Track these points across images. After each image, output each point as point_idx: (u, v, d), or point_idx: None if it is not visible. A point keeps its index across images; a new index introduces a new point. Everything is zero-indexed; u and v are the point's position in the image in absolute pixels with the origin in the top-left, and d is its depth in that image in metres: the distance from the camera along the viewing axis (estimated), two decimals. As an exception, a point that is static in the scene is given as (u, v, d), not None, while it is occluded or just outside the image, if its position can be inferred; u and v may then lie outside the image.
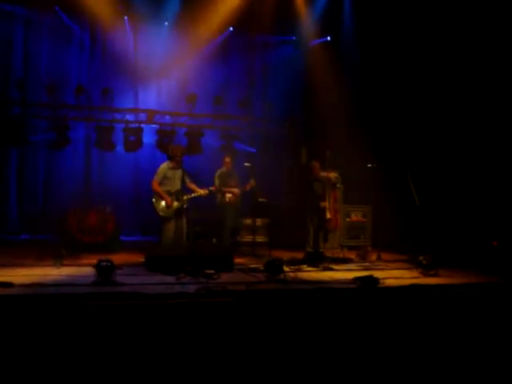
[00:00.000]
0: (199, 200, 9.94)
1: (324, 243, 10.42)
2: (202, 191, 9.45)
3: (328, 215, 10.19)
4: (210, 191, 9.53)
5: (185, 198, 9.36)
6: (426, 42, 11.56)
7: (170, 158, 9.53)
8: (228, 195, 10.62)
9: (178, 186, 9.35)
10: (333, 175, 10.30)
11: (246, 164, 10.54)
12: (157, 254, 8.61)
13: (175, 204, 9.28)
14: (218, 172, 10.80)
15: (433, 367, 5.00)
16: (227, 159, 10.82)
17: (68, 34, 12.38)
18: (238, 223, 10.98)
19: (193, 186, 9.46)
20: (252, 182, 10.58)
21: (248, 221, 11.10)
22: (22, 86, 11.50)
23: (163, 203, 9.24)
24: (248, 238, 11.04)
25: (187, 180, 9.31)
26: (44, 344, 4.93)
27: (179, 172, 9.33)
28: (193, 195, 9.43)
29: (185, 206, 9.40)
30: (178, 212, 9.34)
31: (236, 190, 10.60)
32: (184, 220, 9.47)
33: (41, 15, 11.98)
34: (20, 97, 11.61)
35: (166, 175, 9.32)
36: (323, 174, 10.29)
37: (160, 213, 9.29)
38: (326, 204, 10.15)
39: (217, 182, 10.64)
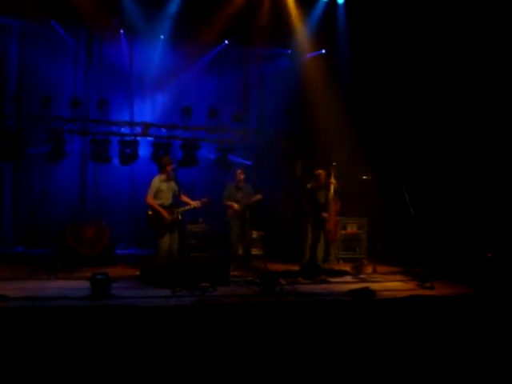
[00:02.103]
0: (201, 212, 10.01)
1: (328, 256, 10.45)
2: (195, 203, 9.46)
3: (328, 226, 10.20)
4: (203, 203, 9.52)
5: (179, 210, 9.37)
6: (420, 53, 11.62)
7: (160, 170, 9.60)
8: (232, 207, 10.56)
9: (171, 198, 9.39)
10: (336, 186, 10.26)
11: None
12: (152, 268, 8.60)
13: (170, 217, 9.28)
14: (228, 185, 10.78)
15: (429, 379, 4.99)
16: (238, 172, 10.75)
17: (63, 47, 12.35)
18: (246, 236, 10.79)
19: (186, 199, 9.47)
20: (258, 195, 10.56)
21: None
22: (17, 99, 11.48)
23: (158, 216, 9.24)
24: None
25: (180, 192, 9.32)
26: (39, 357, 4.91)
27: (172, 184, 9.38)
28: (186, 208, 9.43)
29: (179, 218, 9.40)
30: (172, 225, 9.34)
31: (235, 205, 10.54)
32: (176, 233, 9.47)
33: (36, 28, 11.96)
34: (15, 110, 11.58)
35: (160, 188, 9.34)
36: (327, 184, 10.29)
37: (154, 226, 9.31)
38: (327, 215, 10.17)
39: (224, 194, 10.65)
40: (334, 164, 10.23)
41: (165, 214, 9.22)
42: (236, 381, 4.82)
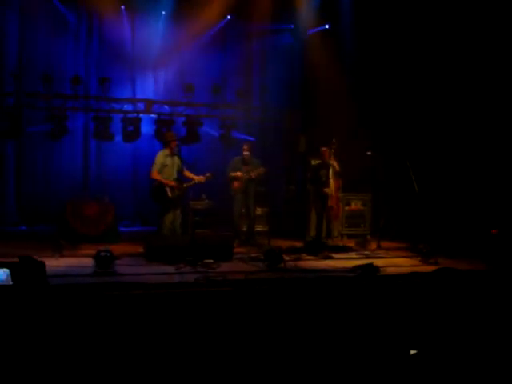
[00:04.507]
0: (204, 189, 9.98)
1: (330, 232, 10.46)
2: (199, 178, 9.44)
3: (330, 203, 10.16)
4: (208, 178, 9.50)
5: (184, 186, 9.35)
6: (425, 28, 11.46)
7: (164, 145, 9.59)
8: (236, 177, 10.52)
9: (175, 174, 9.36)
10: (337, 163, 10.23)
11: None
12: (156, 244, 8.60)
13: (177, 192, 9.27)
14: (234, 159, 10.73)
15: (431, 355, 4.99)
16: (244, 147, 10.65)
17: (64, 23, 12.20)
18: (250, 212, 10.78)
19: (189, 174, 9.47)
20: (260, 169, 10.50)
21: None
22: (17, 76, 11.40)
23: (164, 191, 9.22)
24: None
25: (183, 168, 9.29)
26: (43, 334, 4.92)
27: (176, 159, 9.36)
28: (191, 183, 9.42)
29: (183, 194, 9.39)
30: (177, 201, 9.33)
31: (239, 173, 10.47)
32: (179, 210, 9.46)
33: (36, 3, 11.79)
34: (15, 87, 11.49)
35: (164, 163, 9.33)
36: (329, 160, 10.24)
37: (159, 202, 9.30)
38: (329, 191, 10.13)
39: (229, 168, 10.61)
40: (333, 141, 10.14)
41: (173, 185, 9.21)
42: (240, 356, 4.83)
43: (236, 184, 10.48)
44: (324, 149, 10.37)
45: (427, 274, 7.55)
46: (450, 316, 6.00)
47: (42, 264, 5.55)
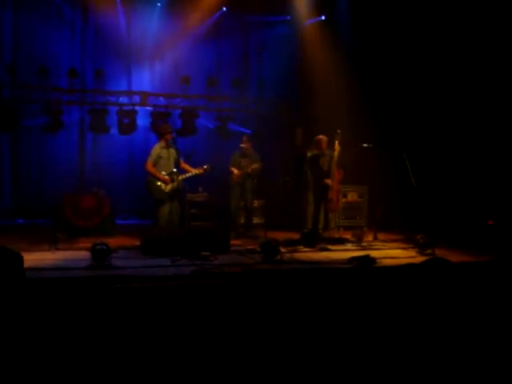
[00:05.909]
0: (201, 182, 9.99)
1: (328, 224, 10.40)
2: (196, 170, 9.40)
3: (330, 195, 10.09)
4: (206, 170, 9.46)
5: (180, 178, 9.30)
6: (422, 18, 11.42)
7: (160, 138, 9.55)
8: (232, 173, 10.54)
9: (172, 166, 9.30)
10: (338, 153, 10.07)
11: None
12: (152, 237, 8.57)
13: (170, 185, 9.22)
14: (235, 152, 10.76)
15: (427, 347, 5.00)
16: (243, 138, 10.71)
17: (59, 15, 12.17)
18: (248, 205, 10.81)
19: (186, 167, 9.43)
20: (256, 165, 10.50)
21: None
22: (12, 69, 11.34)
23: (158, 184, 9.19)
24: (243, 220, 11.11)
25: (181, 160, 9.27)
26: (39, 328, 4.91)
27: (173, 152, 9.28)
28: (188, 175, 9.37)
29: (181, 186, 9.35)
30: (173, 194, 9.30)
31: (235, 171, 10.50)
32: (177, 202, 9.43)
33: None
34: (10, 80, 11.45)
35: (160, 155, 9.26)
36: (330, 150, 10.15)
37: (154, 195, 9.27)
38: (330, 182, 10.05)
39: (230, 163, 10.66)
40: (338, 131, 10.02)
41: (166, 179, 9.17)
42: (237, 349, 4.83)
43: (235, 176, 10.51)
44: (320, 137, 10.21)
45: (417, 264, 7.57)
46: (442, 307, 6.01)
47: (19, 255, 5.47)
